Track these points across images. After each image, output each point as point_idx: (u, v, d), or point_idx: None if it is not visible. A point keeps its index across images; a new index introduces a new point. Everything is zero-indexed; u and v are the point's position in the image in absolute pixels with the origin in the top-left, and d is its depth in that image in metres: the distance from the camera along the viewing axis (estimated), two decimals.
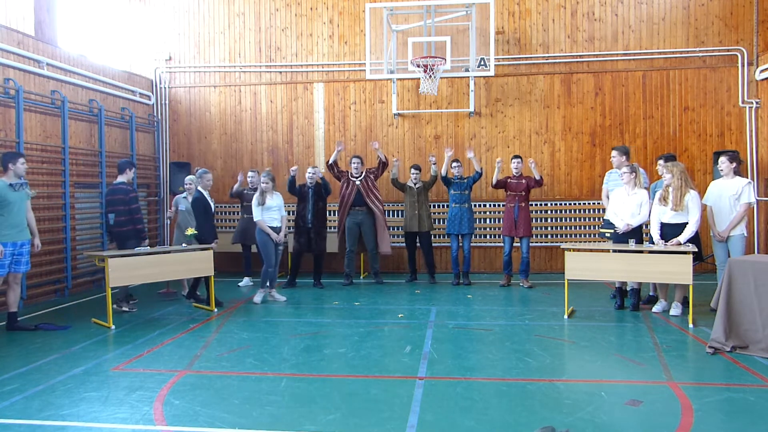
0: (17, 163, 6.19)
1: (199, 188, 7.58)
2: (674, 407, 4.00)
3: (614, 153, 7.72)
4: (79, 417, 3.95)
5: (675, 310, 6.84)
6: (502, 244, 10.01)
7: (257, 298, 7.78)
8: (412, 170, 9.30)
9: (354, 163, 9.15)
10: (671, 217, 6.70)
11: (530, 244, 8.85)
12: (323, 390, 4.47)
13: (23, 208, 6.30)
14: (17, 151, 6.52)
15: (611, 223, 7.44)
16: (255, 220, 7.81)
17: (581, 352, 5.49)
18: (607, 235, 7.61)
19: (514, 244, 8.83)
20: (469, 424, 3.77)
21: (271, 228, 7.79)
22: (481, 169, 9.10)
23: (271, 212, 7.85)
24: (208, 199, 7.56)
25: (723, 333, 5.29)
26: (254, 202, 7.81)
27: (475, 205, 9.61)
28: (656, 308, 7.06)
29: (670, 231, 6.71)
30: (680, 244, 6.50)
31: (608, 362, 5.13)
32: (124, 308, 7.37)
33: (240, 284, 9.16)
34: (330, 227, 9.75)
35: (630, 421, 3.78)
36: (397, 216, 10.41)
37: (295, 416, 3.93)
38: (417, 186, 9.22)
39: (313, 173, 8.83)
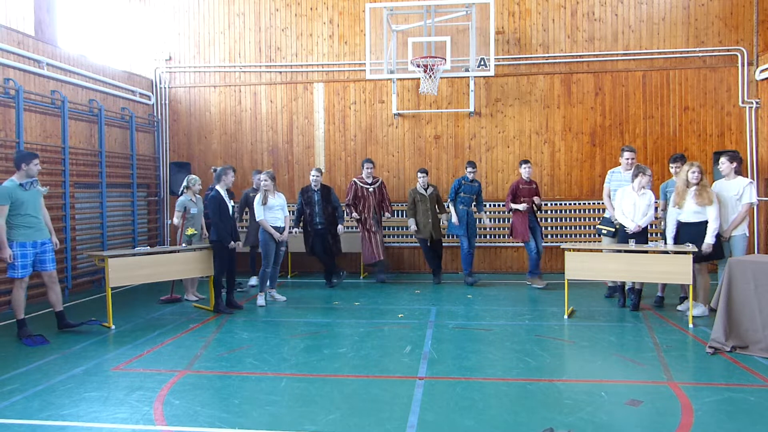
0: (31, 164, 6.06)
1: (218, 187, 7.30)
2: (674, 407, 4.00)
3: (631, 155, 7.68)
4: (79, 417, 3.95)
5: (696, 309, 6.77)
6: (502, 245, 10.07)
7: (260, 300, 7.72)
8: (419, 174, 9.17)
9: (367, 168, 9.29)
10: (690, 216, 6.63)
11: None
12: (323, 390, 4.47)
13: (38, 206, 6.18)
14: (31, 151, 6.44)
15: (609, 221, 7.52)
16: (257, 219, 7.76)
17: (581, 352, 5.49)
18: (604, 232, 7.64)
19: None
20: (469, 424, 3.77)
21: (275, 227, 7.75)
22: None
23: (274, 212, 7.79)
24: (226, 198, 7.31)
25: (723, 333, 5.29)
26: (256, 201, 7.77)
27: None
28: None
29: (689, 230, 6.65)
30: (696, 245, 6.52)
31: (608, 362, 5.13)
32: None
33: (250, 283, 9.17)
34: (350, 227, 9.72)
35: (630, 421, 3.78)
36: (402, 216, 10.38)
37: (295, 416, 3.93)
38: (429, 192, 9.15)
39: (317, 176, 8.83)
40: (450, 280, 9.24)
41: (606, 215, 7.84)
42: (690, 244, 6.52)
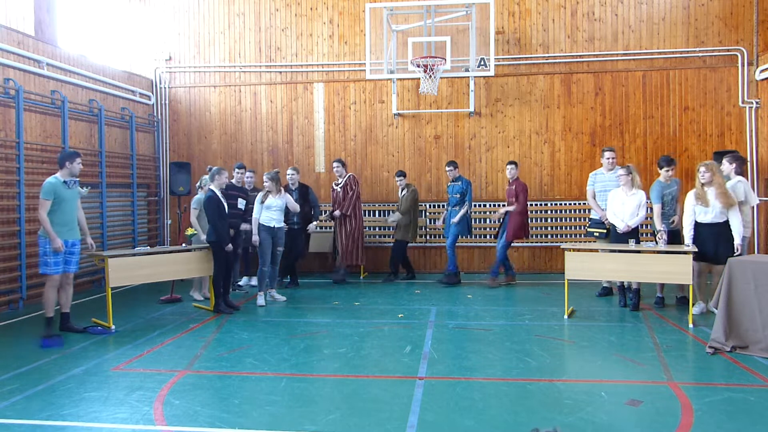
0: (74, 162, 6.12)
1: (211, 187, 7.28)
2: (674, 407, 4.00)
3: (611, 154, 7.82)
4: (79, 417, 3.95)
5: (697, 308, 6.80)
6: None
7: (260, 300, 7.72)
8: (396, 177, 9.49)
9: (335, 166, 9.32)
10: (713, 218, 6.55)
11: (506, 247, 8.74)
12: (323, 390, 4.48)
13: (75, 206, 6.22)
14: (75, 151, 6.46)
15: (599, 223, 7.67)
16: (253, 217, 7.79)
17: (581, 352, 5.49)
18: (596, 234, 7.76)
19: (516, 244, 8.85)
20: (469, 424, 3.77)
21: (268, 227, 7.75)
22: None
23: (272, 212, 7.80)
24: (222, 198, 7.28)
25: (723, 333, 5.29)
26: (257, 200, 7.81)
27: (475, 205, 9.60)
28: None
29: (710, 231, 6.57)
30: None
31: (608, 362, 5.13)
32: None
33: (240, 283, 9.15)
34: (323, 226, 9.78)
35: (630, 421, 3.78)
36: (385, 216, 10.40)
37: (295, 416, 3.93)
38: (402, 195, 9.36)
39: (293, 174, 8.92)
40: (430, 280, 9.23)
41: (593, 216, 7.99)
42: (690, 245, 6.54)
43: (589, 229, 8.03)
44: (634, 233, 7.04)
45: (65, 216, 6.08)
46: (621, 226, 7.05)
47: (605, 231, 7.56)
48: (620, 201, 7.14)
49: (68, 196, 6.09)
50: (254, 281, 9.23)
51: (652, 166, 9.80)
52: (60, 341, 5.84)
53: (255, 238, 7.74)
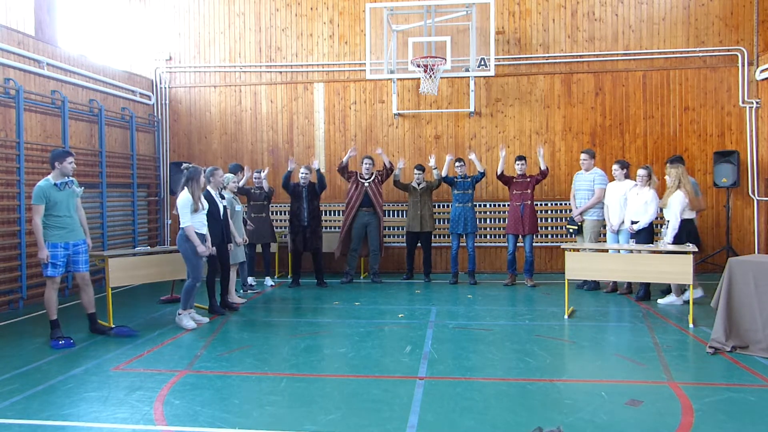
0: (65, 162, 5.90)
1: (209, 188, 7.12)
2: (674, 407, 4.00)
3: (584, 156, 8.45)
4: (79, 417, 3.95)
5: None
6: (503, 244, 10.04)
7: (186, 323, 6.46)
8: (415, 170, 9.37)
9: (366, 163, 9.25)
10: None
11: (533, 244, 8.93)
12: (323, 390, 4.47)
13: (72, 206, 6.04)
14: (66, 149, 6.34)
15: (574, 221, 8.38)
16: (182, 225, 6.45)
17: (581, 352, 5.49)
18: (571, 231, 8.44)
19: (518, 244, 8.87)
20: (469, 424, 3.77)
21: (200, 235, 6.54)
22: (484, 169, 9.20)
23: (201, 216, 6.63)
24: (217, 198, 7.12)
25: (723, 333, 5.29)
26: (184, 203, 6.45)
27: (476, 205, 9.60)
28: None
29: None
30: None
31: (608, 362, 5.13)
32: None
33: (265, 283, 9.16)
34: (327, 227, 9.79)
35: (630, 421, 3.78)
36: (398, 216, 10.42)
37: (295, 416, 3.93)
38: (420, 186, 9.26)
39: (306, 174, 8.89)
40: (445, 280, 9.22)
41: (572, 216, 8.57)
42: (690, 244, 6.59)
43: (567, 226, 8.61)
44: (648, 232, 7.36)
45: (62, 219, 5.91)
46: (615, 225, 7.67)
47: (577, 227, 8.29)
48: (621, 199, 7.61)
49: (61, 197, 5.90)
50: (268, 281, 9.24)
51: (652, 167, 9.78)
52: (69, 342, 5.80)
53: (202, 248, 6.49)
